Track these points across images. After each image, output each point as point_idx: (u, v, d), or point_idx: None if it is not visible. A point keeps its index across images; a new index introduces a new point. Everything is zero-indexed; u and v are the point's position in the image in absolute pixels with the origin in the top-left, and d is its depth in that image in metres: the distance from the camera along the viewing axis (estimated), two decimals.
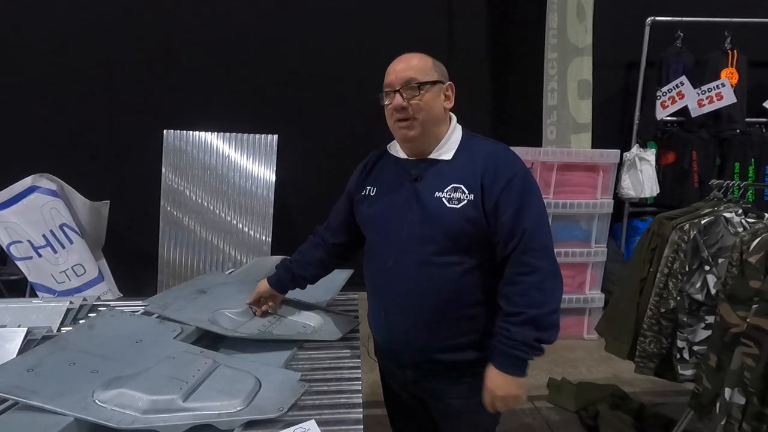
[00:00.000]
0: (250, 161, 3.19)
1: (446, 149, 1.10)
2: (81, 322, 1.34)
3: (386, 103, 1.09)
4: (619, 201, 3.41)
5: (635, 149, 3.36)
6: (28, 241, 2.68)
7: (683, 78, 3.25)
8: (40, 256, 2.71)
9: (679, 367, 1.74)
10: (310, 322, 1.38)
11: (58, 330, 1.30)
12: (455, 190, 1.04)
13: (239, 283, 1.53)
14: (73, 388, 0.89)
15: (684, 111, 3.33)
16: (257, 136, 3.16)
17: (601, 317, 2.05)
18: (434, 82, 1.07)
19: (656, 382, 2.09)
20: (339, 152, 3.29)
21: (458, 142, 1.11)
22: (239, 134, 3.16)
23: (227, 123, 3.17)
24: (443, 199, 1.04)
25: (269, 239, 3.16)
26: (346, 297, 1.64)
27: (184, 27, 3.26)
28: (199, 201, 3.17)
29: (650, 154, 3.34)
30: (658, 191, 3.36)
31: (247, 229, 3.18)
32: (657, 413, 2.08)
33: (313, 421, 0.94)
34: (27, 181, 2.66)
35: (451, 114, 1.16)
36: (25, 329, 1.20)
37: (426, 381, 1.16)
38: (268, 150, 3.18)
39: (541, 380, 2.46)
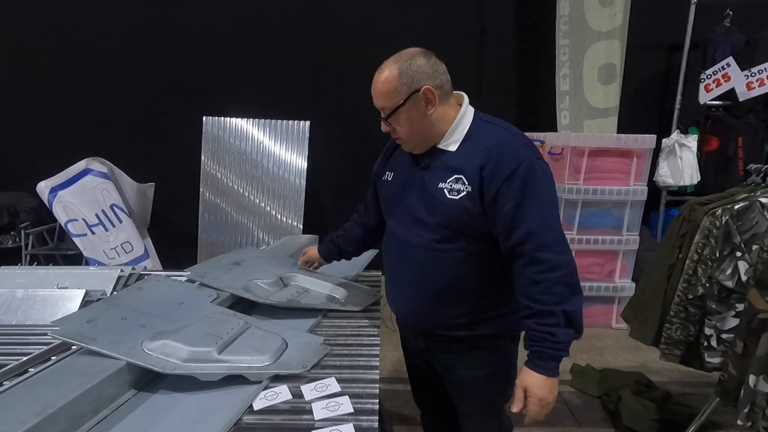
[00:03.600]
0: (282, 148, 3.31)
1: (453, 139, 1.09)
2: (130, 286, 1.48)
3: None
4: (656, 189, 3.29)
5: (675, 135, 3.22)
6: (83, 219, 2.92)
7: (730, 59, 3.07)
8: (93, 233, 2.95)
9: (706, 354, 1.71)
10: (335, 294, 1.46)
11: (111, 294, 1.46)
12: (456, 181, 1.05)
13: (271, 258, 1.64)
14: (125, 338, 1.01)
15: (731, 95, 3.16)
16: (290, 122, 3.27)
17: (628, 303, 2.02)
18: (404, 103, 1.04)
19: (685, 372, 2.06)
20: (370, 139, 3.35)
21: (467, 130, 1.08)
22: (273, 120, 3.28)
23: (262, 109, 3.30)
24: (445, 189, 1.06)
25: (300, 225, 3.28)
26: (370, 274, 1.72)
27: (222, 19, 3.41)
28: (235, 187, 3.33)
29: (691, 140, 3.20)
30: (699, 179, 3.22)
31: (279, 215, 3.31)
32: (682, 402, 2.05)
33: (334, 378, 1.02)
34: (81, 164, 2.90)
35: (463, 95, 1.13)
36: (84, 291, 1.36)
37: (435, 351, 1.22)
38: (301, 136, 3.29)
39: (565, 365, 2.45)
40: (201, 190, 3.31)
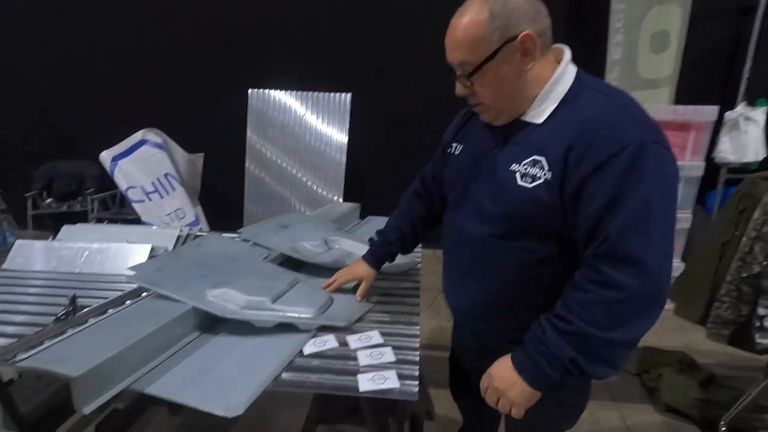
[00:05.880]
0: (324, 121, 3.35)
1: (542, 109, 0.84)
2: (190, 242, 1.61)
3: None
4: (714, 167, 3.09)
5: (741, 107, 2.98)
6: (141, 186, 3.13)
7: None
8: (150, 200, 3.16)
9: (757, 335, 1.64)
10: None
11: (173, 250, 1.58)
12: (534, 164, 0.82)
13: (315, 221, 1.72)
14: (190, 286, 1.12)
15: None
16: (331, 94, 3.30)
17: (675, 280, 1.96)
18: (494, 55, 0.80)
19: (733, 355, 1.98)
20: (412, 113, 3.34)
21: (561, 97, 0.83)
22: (314, 93, 3.32)
23: (304, 81, 3.34)
24: (517, 173, 0.84)
25: (340, 199, 3.35)
26: None
27: None
28: (278, 160, 3.42)
29: (759, 114, 2.95)
30: (765, 156, 2.99)
31: (319, 189, 3.39)
32: (727, 384, 1.98)
33: (377, 331, 1.08)
34: (138, 135, 3.09)
35: (564, 50, 0.86)
36: (150, 245, 1.49)
37: (488, 360, 0.93)
38: (342, 109, 3.31)
39: None
40: (246, 163, 3.44)
